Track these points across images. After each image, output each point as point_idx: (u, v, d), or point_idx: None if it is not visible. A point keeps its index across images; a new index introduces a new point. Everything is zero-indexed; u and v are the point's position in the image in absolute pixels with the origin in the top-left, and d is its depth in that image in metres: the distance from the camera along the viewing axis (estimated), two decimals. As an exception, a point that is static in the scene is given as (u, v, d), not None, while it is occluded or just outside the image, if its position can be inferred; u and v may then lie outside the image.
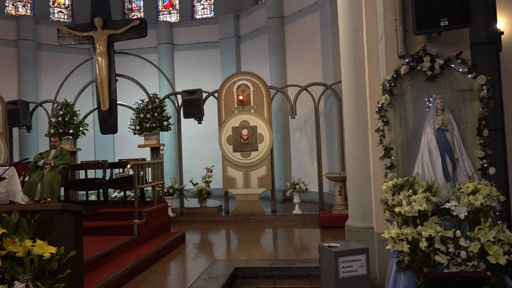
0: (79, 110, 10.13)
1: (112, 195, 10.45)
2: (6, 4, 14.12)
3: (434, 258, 3.61)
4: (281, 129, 12.40)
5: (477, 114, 4.27)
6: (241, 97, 9.95)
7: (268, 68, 12.88)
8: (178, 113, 10.55)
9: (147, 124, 9.45)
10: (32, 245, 3.03)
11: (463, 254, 3.57)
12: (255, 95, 9.97)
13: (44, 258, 3.01)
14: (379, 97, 4.53)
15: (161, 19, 15.49)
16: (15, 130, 11.48)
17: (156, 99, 9.77)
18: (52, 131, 9.57)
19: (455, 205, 3.79)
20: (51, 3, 14.96)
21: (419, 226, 3.74)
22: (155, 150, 9.65)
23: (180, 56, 14.75)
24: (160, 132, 9.75)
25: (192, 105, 9.98)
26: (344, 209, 8.03)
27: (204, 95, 10.29)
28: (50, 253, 3.03)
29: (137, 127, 9.57)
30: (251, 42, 14.10)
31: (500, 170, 4.75)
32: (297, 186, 9.47)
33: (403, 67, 4.36)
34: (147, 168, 8.14)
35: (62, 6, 15.17)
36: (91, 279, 4.65)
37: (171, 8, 15.66)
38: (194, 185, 10.31)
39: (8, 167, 6.91)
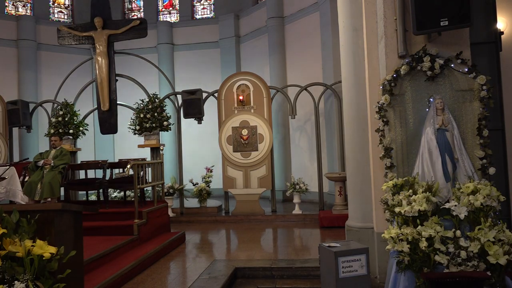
0: (79, 110, 10.13)
1: (112, 195, 10.46)
2: (6, 4, 14.12)
3: (434, 258, 3.61)
4: (281, 129, 12.40)
5: (477, 114, 4.28)
6: (241, 97, 9.95)
7: (268, 68, 12.88)
8: (178, 113, 10.55)
9: (147, 124, 9.45)
10: (32, 245, 3.03)
11: (463, 254, 3.57)
12: (255, 95, 9.97)
13: (44, 258, 3.01)
14: (379, 97, 4.53)
15: (161, 19, 15.49)
16: (15, 130, 11.47)
17: (156, 99, 9.77)
18: (52, 131, 9.57)
19: (455, 205, 3.80)
20: (51, 3, 14.96)
21: (419, 226, 3.74)
22: (155, 150, 9.65)
23: (180, 56, 14.76)
24: (160, 132, 9.75)
25: (192, 105, 9.97)
26: (344, 209, 8.03)
27: (204, 95, 10.29)
28: (50, 253, 3.03)
29: (137, 127, 9.56)
30: (251, 42, 14.10)
31: (500, 170, 4.75)
32: (297, 186, 9.47)
33: (403, 67, 4.37)
34: (147, 168, 8.15)
35: (62, 6, 15.17)
36: (91, 279, 4.65)
37: (171, 8, 15.66)
38: (194, 185, 10.31)
39: (8, 167, 6.91)
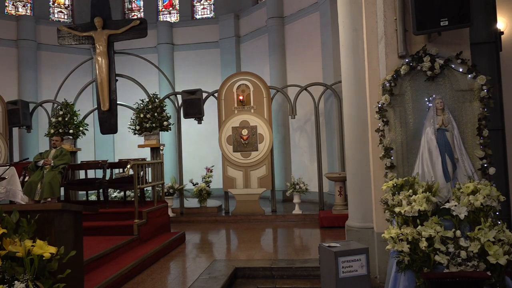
0: (79, 110, 10.13)
1: (112, 195, 10.45)
2: (6, 4, 14.12)
3: (434, 258, 3.61)
4: (281, 129, 12.40)
5: (477, 114, 4.28)
6: (241, 97, 9.95)
7: (268, 68, 12.88)
8: (178, 113, 10.55)
9: (147, 124, 9.45)
10: (32, 245, 3.03)
11: (463, 254, 3.57)
12: (255, 95, 9.97)
13: (44, 258, 3.01)
14: (379, 97, 4.53)
15: (161, 19, 15.49)
16: (15, 130, 11.48)
17: (156, 99, 9.77)
18: (52, 131, 9.58)
19: (455, 205, 3.80)
20: (51, 3, 14.96)
21: (419, 226, 3.74)
22: (155, 150, 9.65)
23: (180, 56, 14.76)
24: (160, 132, 9.75)
25: (192, 105, 9.97)
26: (344, 209, 8.03)
27: (204, 95, 10.29)
28: (50, 253, 3.03)
29: (137, 127, 9.56)
30: (251, 42, 14.10)
31: (500, 170, 4.75)
32: (297, 186, 9.47)
33: (403, 67, 4.37)
34: (147, 168, 8.15)
35: (62, 6, 15.17)
36: (91, 279, 4.65)
37: (171, 8, 15.66)
38: (194, 185, 10.31)
39: (8, 167, 6.91)
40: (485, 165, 4.21)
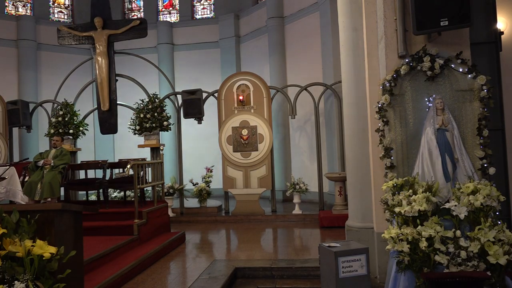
0: (79, 110, 10.13)
1: (112, 195, 10.45)
2: (6, 4, 14.12)
3: (434, 258, 3.61)
4: (281, 129, 12.40)
5: (477, 114, 4.28)
6: (241, 97, 9.96)
7: (268, 68, 12.88)
8: (178, 113, 10.55)
9: (147, 124, 9.45)
10: (32, 245, 3.03)
11: (463, 254, 3.57)
12: (255, 95, 9.97)
13: (44, 258, 3.01)
14: (379, 97, 4.53)
15: (161, 19, 15.50)
16: (15, 130, 11.48)
17: (156, 99, 9.77)
18: (52, 131, 9.58)
19: (455, 205, 3.79)
20: (51, 3, 14.96)
21: (419, 226, 3.74)
22: (155, 150, 9.65)
23: (180, 56, 14.76)
24: (160, 132, 9.75)
25: (192, 105, 9.97)
26: (344, 209, 8.03)
27: (204, 95, 10.29)
28: (50, 253, 3.03)
29: (137, 127, 9.56)
30: (251, 42, 14.10)
31: (500, 170, 4.75)
32: (297, 186, 9.47)
33: (403, 67, 4.37)
34: (147, 168, 8.15)
35: (62, 6, 15.17)
36: (91, 279, 4.65)
37: (171, 8, 15.66)
38: (194, 185, 10.32)
39: (8, 167, 6.91)
40: (485, 165, 4.21)
